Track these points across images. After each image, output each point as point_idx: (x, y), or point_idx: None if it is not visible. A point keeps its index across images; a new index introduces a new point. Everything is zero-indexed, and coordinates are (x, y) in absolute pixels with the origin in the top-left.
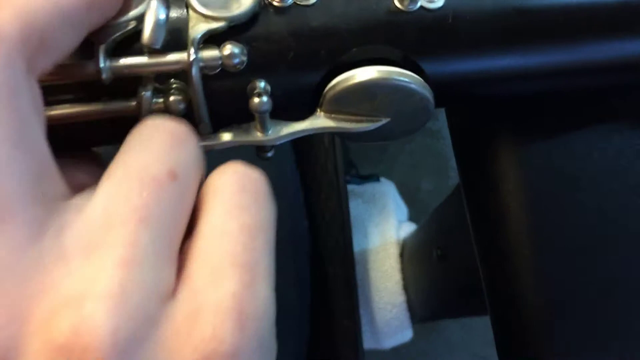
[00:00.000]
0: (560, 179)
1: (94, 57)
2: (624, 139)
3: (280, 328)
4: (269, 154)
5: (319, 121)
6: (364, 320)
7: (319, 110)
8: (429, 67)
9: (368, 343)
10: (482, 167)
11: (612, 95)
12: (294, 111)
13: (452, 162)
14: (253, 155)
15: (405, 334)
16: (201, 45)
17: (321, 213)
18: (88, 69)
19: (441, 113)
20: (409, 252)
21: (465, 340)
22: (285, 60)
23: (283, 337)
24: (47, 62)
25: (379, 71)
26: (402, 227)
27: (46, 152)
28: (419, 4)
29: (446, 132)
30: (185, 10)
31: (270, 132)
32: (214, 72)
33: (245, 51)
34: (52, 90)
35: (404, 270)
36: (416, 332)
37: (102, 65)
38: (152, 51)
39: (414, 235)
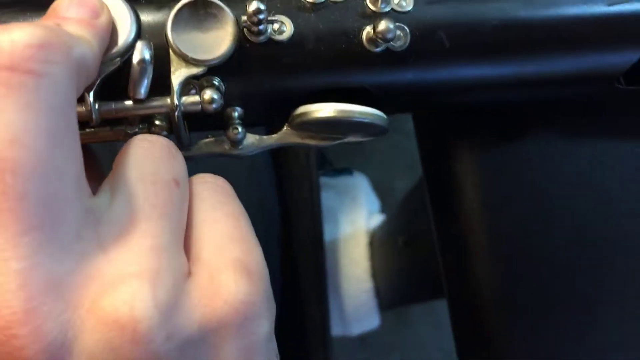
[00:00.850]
0: (513, 179)
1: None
2: (569, 144)
3: None
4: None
5: (287, 137)
6: (332, 307)
7: (286, 126)
8: (389, 96)
9: (336, 329)
10: (443, 166)
11: (562, 106)
12: (262, 125)
13: None
14: None
15: (372, 321)
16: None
17: (294, 201)
18: (79, 110)
19: None
20: (377, 241)
21: (434, 335)
22: (259, 93)
23: None
24: (82, 88)
25: (338, 110)
26: (372, 217)
27: (81, 155)
28: (385, 47)
29: None
30: (166, 45)
31: (241, 146)
32: (195, 111)
33: (222, 93)
34: None
35: (372, 258)
36: (386, 326)
37: (92, 109)
38: (136, 101)
39: (382, 225)
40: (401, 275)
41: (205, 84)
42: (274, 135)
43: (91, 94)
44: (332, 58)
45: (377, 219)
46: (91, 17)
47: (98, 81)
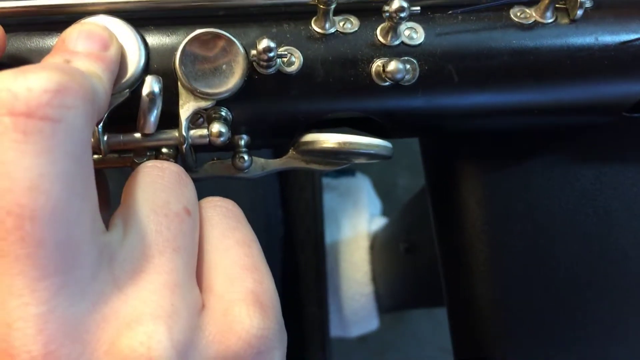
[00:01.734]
0: (516, 198)
1: None
2: (573, 165)
3: None
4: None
5: (292, 161)
6: (332, 309)
7: (292, 150)
8: (394, 127)
9: (335, 330)
10: (447, 183)
11: (561, 133)
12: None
13: None
14: None
15: (371, 323)
16: (191, 125)
17: (295, 204)
18: None
19: None
20: (378, 245)
21: (433, 334)
22: (266, 121)
23: None
24: (94, 123)
25: (343, 142)
26: (374, 220)
27: (96, 193)
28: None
29: None
30: (174, 76)
31: (248, 171)
32: (203, 144)
33: (230, 124)
34: None
35: (373, 262)
36: (384, 324)
37: (100, 140)
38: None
39: (384, 229)
40: (401, 281)
41: (213, 114)
42: (279, 160)
43: (100, 126)
44: (340, 90)
45: (379, 223)
46: (100, 50)
47: (107, 113)
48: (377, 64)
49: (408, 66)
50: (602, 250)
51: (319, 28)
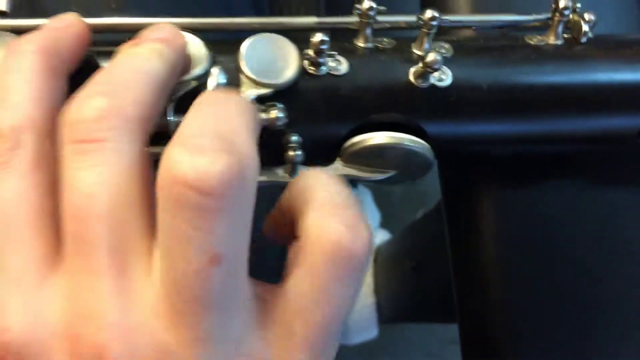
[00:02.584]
0: (532, 221)
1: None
2: (589, 190)
3: None
4: None
5: (338, 169)
6: None
7: (338, 159)
8: (432, 130)
9: None
10: (464, 204)
11: (577, 157)
12: (317, 158)
13: None
14: None
15: (371, 332)
16: None
17: None
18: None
19: None
20: (382, 259)
21: (423, 340)
22: (317, 121)
23: None
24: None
25: (390, 137)
26: (376, 233)
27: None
28: (430, 83)
29: None
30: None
31: (296, 176)
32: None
33: (286, 113)
34: None
35: (376, 274)
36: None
37: (170, 119)
38: None
39: (389, 244)
40: (405, 296)
41: (269, 108)
42: (326, 168)
43: (170, 105)
44: (382, 91)
45: (381, 236)
46: (168, 37)
47: (175, 98)
48: (415, 68)
49: (444, 67)
50: (616, 279)
51: (361, 42)
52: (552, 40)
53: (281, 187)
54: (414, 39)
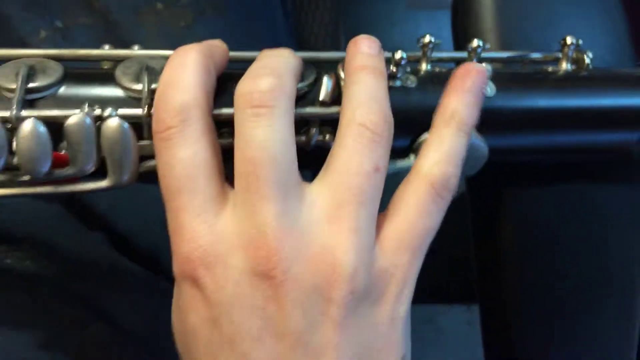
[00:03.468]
0: (547, 218)
1: None
2: (599, 191)
3: None
4: None
5: (411, 162)
6: None
7: (411, 154)
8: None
9: None
10: (488, 203)
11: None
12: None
13: None
14: None
15: None
16: None
17: None
18: None
19: None
20: None
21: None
22: (395, 124)
23: None
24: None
25: None
26: None
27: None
28: None
29: None
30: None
31: None
32: None
33: None
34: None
35: None
36: None
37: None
38: (322, 104)
39: None
40: (425, 278)
41: None
42: (405, 160)
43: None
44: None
45: None
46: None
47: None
48: None
49: (490, 82)
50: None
51: (423, 66)
52: (563, 67)
53: None
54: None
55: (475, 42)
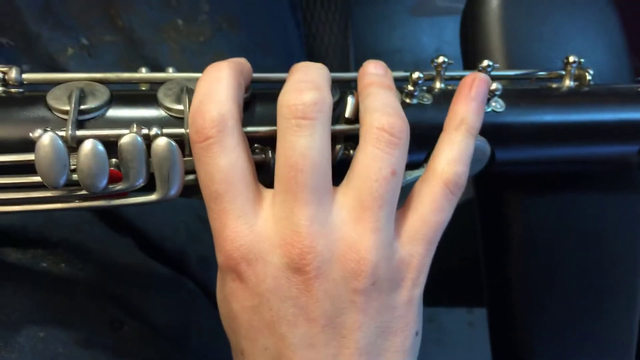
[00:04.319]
0: (549, 224)
1: None
2: (603, 197)
3: None
4: None
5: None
6: None
7: (424, 163)
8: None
9: None
10: (495, 210)
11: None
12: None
13: None
14: None
15: None
16: None
17: None
18: None
19: None
20: None
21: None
22: (412, 138)
23: None
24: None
25: None
26: None
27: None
28: (490, 109)
29: None
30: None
31: None
32: None
33: None
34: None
35: None
36: None
37: None
38: (347, 121)
39: None
40: (431, 278)
41: None
42: (416, 171)
43: None
44: None
45: None
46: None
47: None
48: None
49: (499, 99)
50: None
51: (437, 84)
52: (567, 84)
53: None
54: None
55: (485, 62)
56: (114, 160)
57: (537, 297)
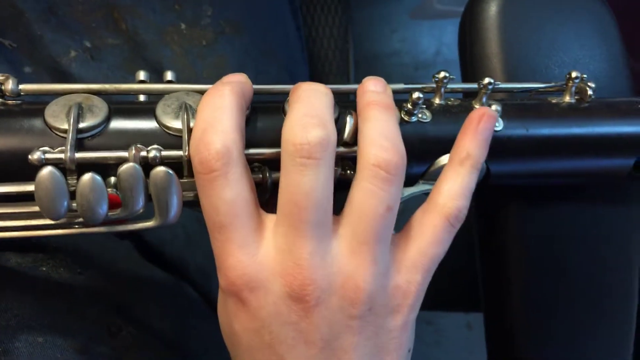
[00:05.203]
0: (545, 234)
1: None
2: (598, 209)
3: None
4: None
5: (419, 186)
6: None
7: (420, 180)
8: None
9: None
10: (492, 219)
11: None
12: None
13: None
14: None
15: None
16: None
17: None
18: None
19: None
20: None
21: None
22: (410, 155)
23: None
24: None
25: None
26: None
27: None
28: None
29: None
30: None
31: None
32: None
33: None
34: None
35: None
36: None
37: None
38: (344, 144)
39: None
40: (430, 285)
41: None
42: (412, 187)
43: None
44: (455, 133)
45: None
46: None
47: None
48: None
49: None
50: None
51: (437, 100)
52: (567, 99)
53: None
54: (474, 97)
55: (486, 80)
56: (112, 178)
57: (533, 305)
